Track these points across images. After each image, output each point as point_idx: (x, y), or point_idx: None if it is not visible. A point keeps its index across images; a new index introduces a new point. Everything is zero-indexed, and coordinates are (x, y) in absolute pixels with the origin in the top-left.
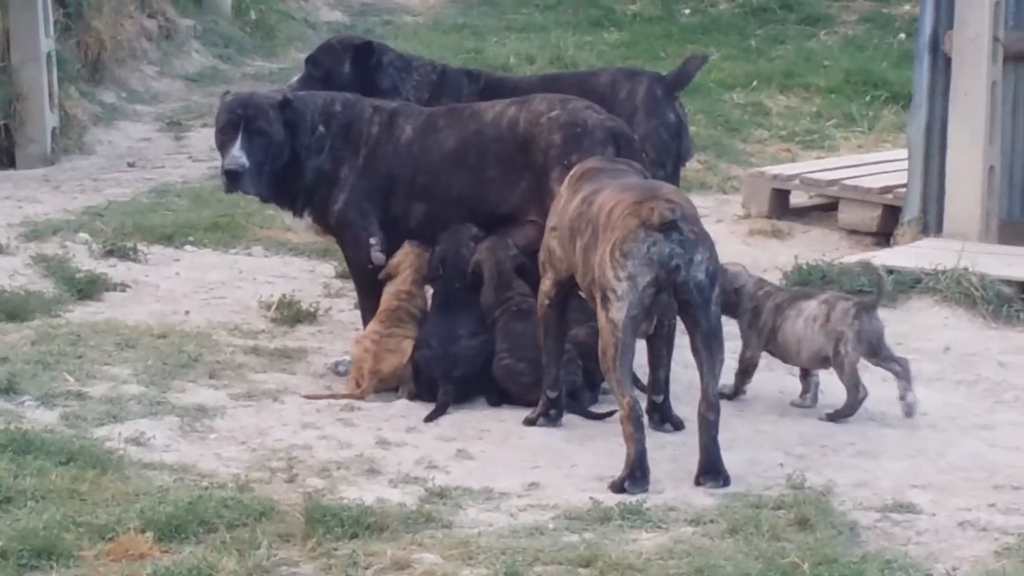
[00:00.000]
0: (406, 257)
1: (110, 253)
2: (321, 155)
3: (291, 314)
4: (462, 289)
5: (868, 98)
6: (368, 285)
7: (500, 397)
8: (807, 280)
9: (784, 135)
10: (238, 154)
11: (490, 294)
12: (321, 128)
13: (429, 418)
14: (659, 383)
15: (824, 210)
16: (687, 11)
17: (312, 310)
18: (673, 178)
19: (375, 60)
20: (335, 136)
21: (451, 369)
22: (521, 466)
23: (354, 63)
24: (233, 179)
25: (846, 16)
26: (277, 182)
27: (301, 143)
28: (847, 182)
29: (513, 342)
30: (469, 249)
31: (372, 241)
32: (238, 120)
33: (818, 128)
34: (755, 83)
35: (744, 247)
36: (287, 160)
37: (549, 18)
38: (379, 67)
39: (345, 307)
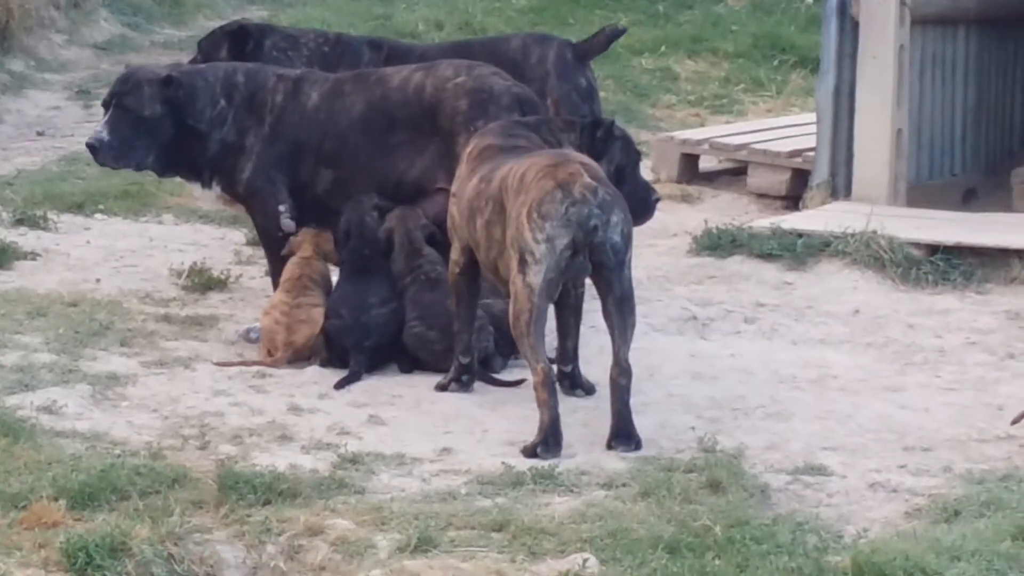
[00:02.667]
0: (305, 235)
1: (20, 222)
2: (224, 127)
3: (202, 281)
4: (371, 257)
5: (776, 62)
6: (279, 252)
7: (412, 364)
8: (717, 244)
9: (693, 100)
10: (100, 129)
11: (400, 262)
12: (222, 102)
13: (339, 385)
14: (567, 353)
15: (733, 174)
16: None
17: (223, 277)
18: None
19: (252, 44)
20: (238, 107)
21: (362, 338)
22: (433, 431)
23: (231, 49)
24: (92, 152)
25: None
26: (172, 156)
27: (199, 117)
28: (756, 146)
29: (423, 310)
30: (373, 218)
31: (281, 208)
32: (111, 96)
33: (727, 93)
34: (663, 48)
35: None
36: (178, 134)
37: None
38: (259, 50)
39: (256, 274)
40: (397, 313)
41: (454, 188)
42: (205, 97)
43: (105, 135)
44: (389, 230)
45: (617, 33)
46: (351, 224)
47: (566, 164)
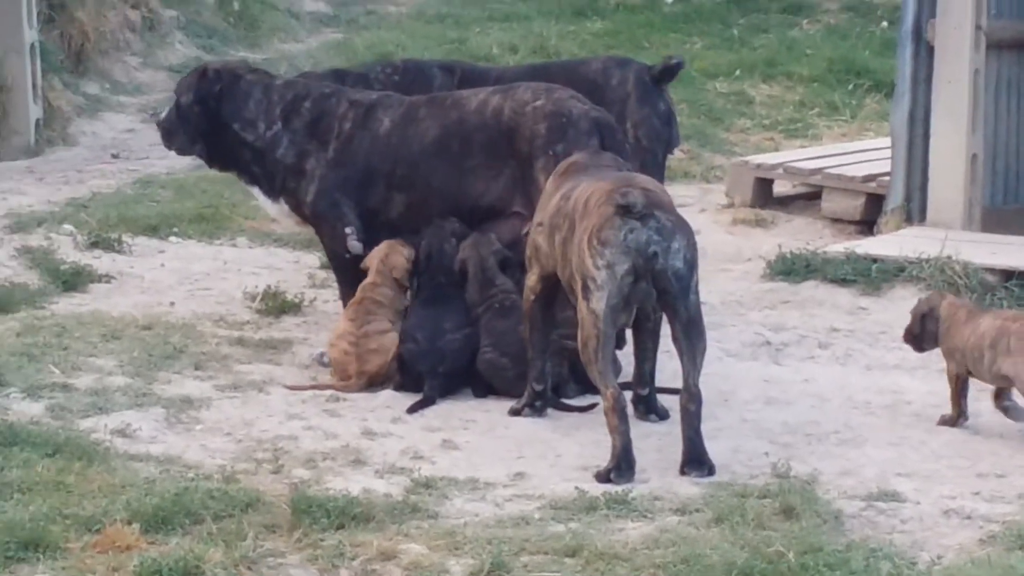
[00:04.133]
0: (377, 251)
1: (95, 244)
2: (280, 149)
3: (276, 305)
4: (447, 284)
5: (851, 87)
6: (348, 275)
7: (486, 390)
8: (791, 269)
9: (767, 124)
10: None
11: (474, 291)
12: (279, 124)
13: (412, 409)
14: (644, 376)
15: (807, 199)
16: (670, 0)
17: (297, 301)
18: (661, 166)
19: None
20: (296, 131)
21: (437, 363)
22: (507, 456)
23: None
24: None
25: (828, 4)
26: (217, 150)
27: (241, 121)
28: (830, 171)
29: (497, 337)
30: (451, 244)
31: (348, 231)
32: None
33: (801, 117)
34: (738, 72)
35: (728, 236)
36: (216, 129)
37: (532, 7)
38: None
39: (330, 298)
40: (471, 339)
41: (538, 217)
42: (255, 106)
43: (162, 115)
44: (464, 260)
45: (679, 65)
46: (431, 249)
47: (626, 188)
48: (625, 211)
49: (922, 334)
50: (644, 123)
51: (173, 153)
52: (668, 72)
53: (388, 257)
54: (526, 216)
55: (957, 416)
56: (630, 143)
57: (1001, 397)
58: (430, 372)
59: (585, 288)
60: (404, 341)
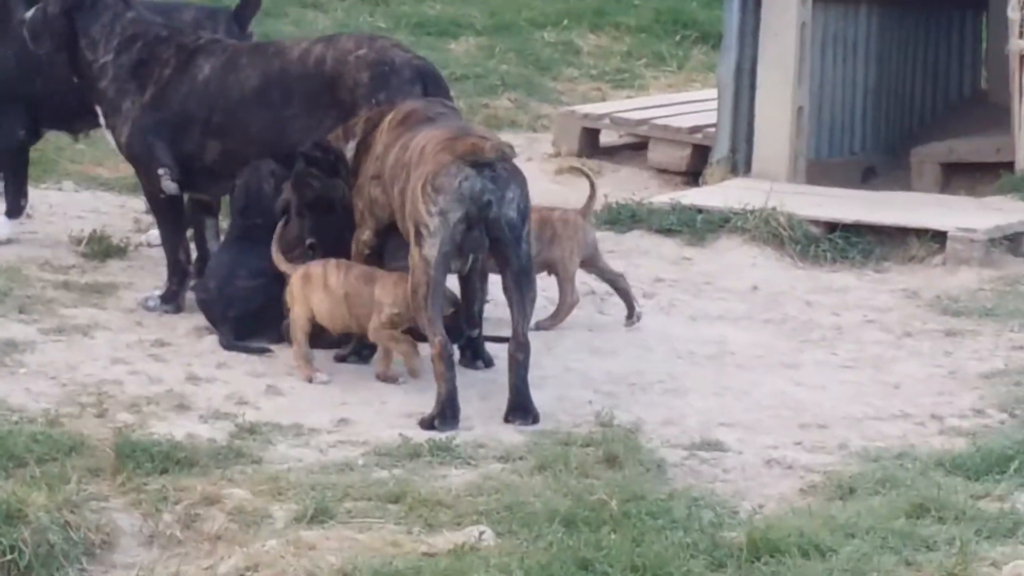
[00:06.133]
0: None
1: None
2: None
3: (101, 249)
4: (263, 225)
5: (678, 38)
6: (166, 214)
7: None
8: (616, 219)
9: (595, 74)
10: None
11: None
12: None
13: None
14: (473, 318)
15: (634, 149)
16: None
17: (123, 245)
18: None
19: None
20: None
21: (227, 309)
22: (331, 403)
23: None
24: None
25: None
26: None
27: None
28: (657, 122)
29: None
30: (270, 184)
31: (161, 172)
32: None
33: (628, 67)
34: (566, 22)
35: (554, 185)
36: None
37: None
38: None
39: (155, 241)
40: (268, 287)
41: (373, 170)
42: (100, 29)
43: (27, 17)
44: (287, 200)
45: None
46: (247, 189)
47: (464, 138)
48: (471, 161)
49: None
50: None
51: None
52: (247, 8)
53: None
54: None
55: None
56: None
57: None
58: (220, 318)
59: (418, 235)
60: (197, 289)
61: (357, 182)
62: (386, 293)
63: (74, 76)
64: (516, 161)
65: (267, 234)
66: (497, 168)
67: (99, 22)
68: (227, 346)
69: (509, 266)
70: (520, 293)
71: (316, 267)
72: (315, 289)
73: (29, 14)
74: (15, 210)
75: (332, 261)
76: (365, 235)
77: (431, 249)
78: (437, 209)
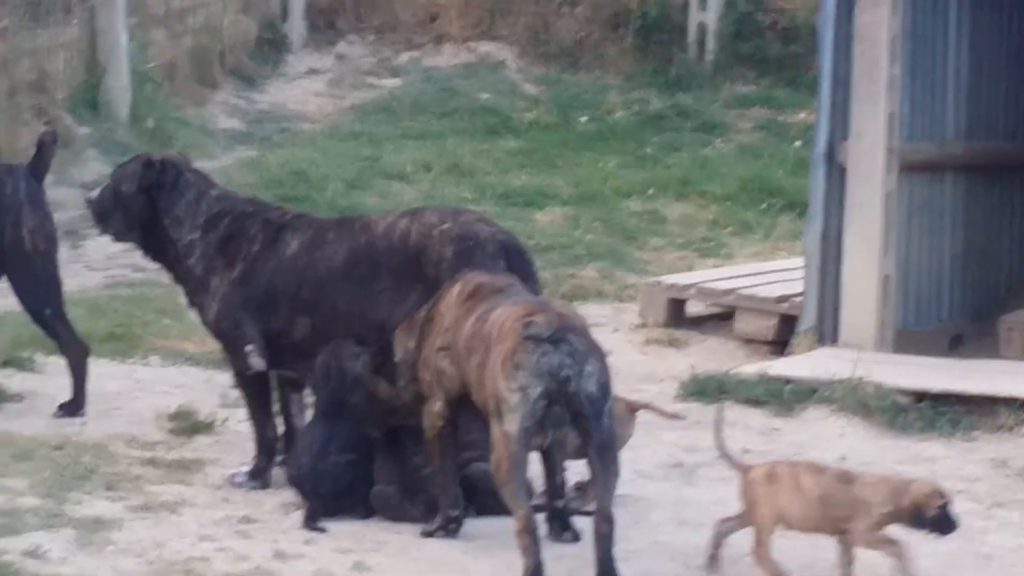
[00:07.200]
0: None
1: (6, 363)
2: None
3: (188, 425)
4: (347, 402)
5: (764, 206)
6: (253, 391)
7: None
8: (703, 390)
9: (681, 243)
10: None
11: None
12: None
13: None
14: (556, 488)
15: (721, 319)
16: (584, 119)
17: (209, 421)
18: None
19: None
20: (210, 244)
21: (318, 485)
22: None
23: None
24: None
25: (741, 124)
26: (151, 242)
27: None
28: (743, 291)
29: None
30: (352, 362)
31: (248, 348)
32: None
33: (714, 236)
34: (651, 191)
35: (641, 356)
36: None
37: (446, 126)
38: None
39: (243, 417)
40: (355, 464)
41: (441, 342)
42: (185, 207)
43: (94, 196)
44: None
45: (52, 137)
46: (329, 368)
47: (541, 315)
48: (537, 336)
49: None
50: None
51: (84, 269)
52: (47, 150)
53: None
54: None
55: None
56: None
57: None
58: (312, 494)
59: (498, 411)
60: (289, 463)
61: (422, 355)
62: (872, 492)
63: (147, 255)
64: (601, 332)
65: (353, 410)
66: (574, 343)
67: (183, 200)
68: (308, 526)
69: (591, 440)
70: (603, 466)
71: (783, 467)
72: (784, 490)
73: (95, 193)
74: None
75: (802, 462)
76: (436, 406)
77: (511, 424)
78: (517, 385)
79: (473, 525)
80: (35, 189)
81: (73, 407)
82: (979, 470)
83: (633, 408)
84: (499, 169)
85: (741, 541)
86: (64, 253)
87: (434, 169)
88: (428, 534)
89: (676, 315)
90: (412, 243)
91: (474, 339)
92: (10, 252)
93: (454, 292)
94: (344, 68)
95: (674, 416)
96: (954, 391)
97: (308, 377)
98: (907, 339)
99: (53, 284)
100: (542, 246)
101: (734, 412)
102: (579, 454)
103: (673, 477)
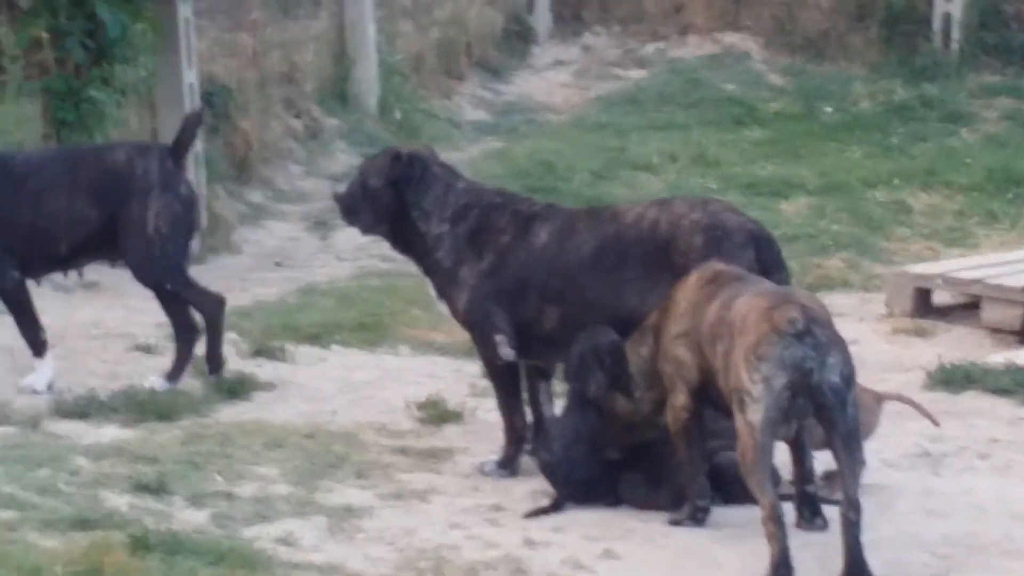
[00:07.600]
0: None
1: (258, 353)
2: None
3: (437, 414)
4: (599, 392)
5: (1011, 195)
6: (503, 381)
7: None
8: (950, 380)
9: (926, 233)
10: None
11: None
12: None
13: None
14: (806, 473)
15: (967, 308)
16: (829, 109)
17: (458, 410)
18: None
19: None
20: (459, 237)
21: (568, 472)
22: (668, 566)
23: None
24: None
25: (988, 113)
26: (399, 235)
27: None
28: (990, 281)
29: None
30: (606, 353)
31: (498, 338)
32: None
33: (960, 226)
34: (897, 181)
35: (887, 346)
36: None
37: (691, 116)
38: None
39: (492, 407)
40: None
41: (678, 328)
42: (433, 200)
43: (342, 191)
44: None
45: (197, 117)
46: (584, 359)
47: (785, 307)
48: (782, 331)
49: None
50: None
51: (333, 260)
52: (189, 130)
53: None
54: None
55: None
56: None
57: None
58: (564, 481)
59: (741, 402)
60: (541, 450)
61: (660, 348)
62: None
63: (395, 247)
64: (847, 322)
65: (605, 400)
66: (818, 334)
67: (431, 193)
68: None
69: (835, 430)
70: (848, 455)
71: None
72: None
73: (342, 188)
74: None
75: None
76: (680, 400)
77: (755, 414)
78: (760, 376)
79: (720, 514)
80: (170, 170)
81: (214, 365)
82: None
83: (879, 398)
84: (744, 159)
85: (991, 533)
86: (313, 244)
87: (680, 160)
88: (676, 523)
89: (922, 305)
90: (661, 233)
91: (720, 325)
92: (131, 232)
93: (691, 280)
94: (590, 59)
95: (930, 417)
96: None
97: (562, 366)
98: None
99: (173, 265)
100: (788, 236)
101: (982, 401)
102: (825, 444)
103: (919, 467)
